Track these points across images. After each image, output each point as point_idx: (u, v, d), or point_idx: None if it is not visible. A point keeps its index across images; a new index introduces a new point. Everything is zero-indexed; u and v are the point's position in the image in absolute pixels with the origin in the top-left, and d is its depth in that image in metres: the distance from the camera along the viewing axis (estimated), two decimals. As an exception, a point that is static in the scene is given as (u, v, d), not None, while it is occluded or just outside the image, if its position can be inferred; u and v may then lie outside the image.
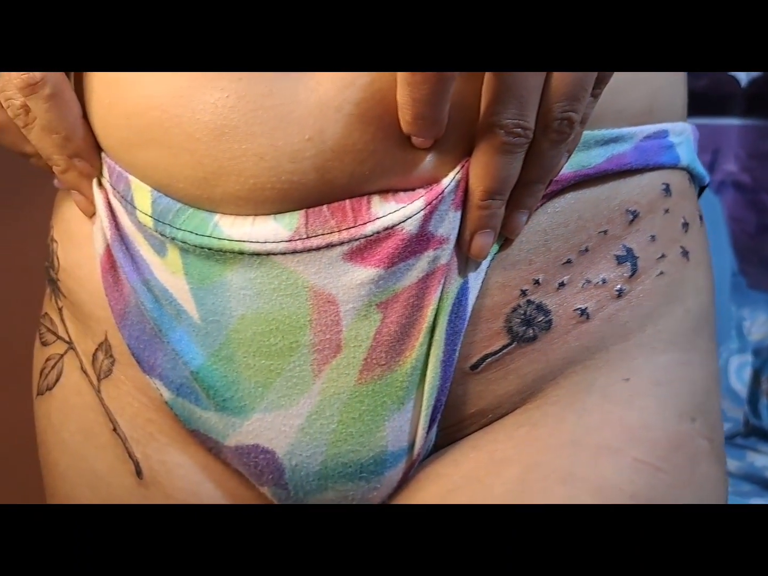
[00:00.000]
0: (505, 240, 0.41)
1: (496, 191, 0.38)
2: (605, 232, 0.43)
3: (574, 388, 0.43)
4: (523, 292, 0.42)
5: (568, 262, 0.42)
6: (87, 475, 0.48)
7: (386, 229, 0.39)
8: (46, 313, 0.51)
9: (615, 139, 0.42)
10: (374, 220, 0.39)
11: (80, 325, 0.48)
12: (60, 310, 0.50)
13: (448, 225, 0.39)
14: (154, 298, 0.44)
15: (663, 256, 0.44)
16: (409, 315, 0.40)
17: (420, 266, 0.40)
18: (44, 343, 0.51)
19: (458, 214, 0.39)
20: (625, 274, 0.43)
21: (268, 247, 0.40)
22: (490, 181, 0.38)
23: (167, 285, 0.43)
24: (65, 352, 0.49)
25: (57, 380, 0.49)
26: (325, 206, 0.39)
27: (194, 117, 0.39)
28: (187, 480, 0.47)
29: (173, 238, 0.41)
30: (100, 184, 0.45)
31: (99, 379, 0.48)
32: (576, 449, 0.41)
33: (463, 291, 0.41)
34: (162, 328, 0.43)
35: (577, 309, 0.42)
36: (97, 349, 0.47)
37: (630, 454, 0.41)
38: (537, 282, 0.42)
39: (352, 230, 0.39)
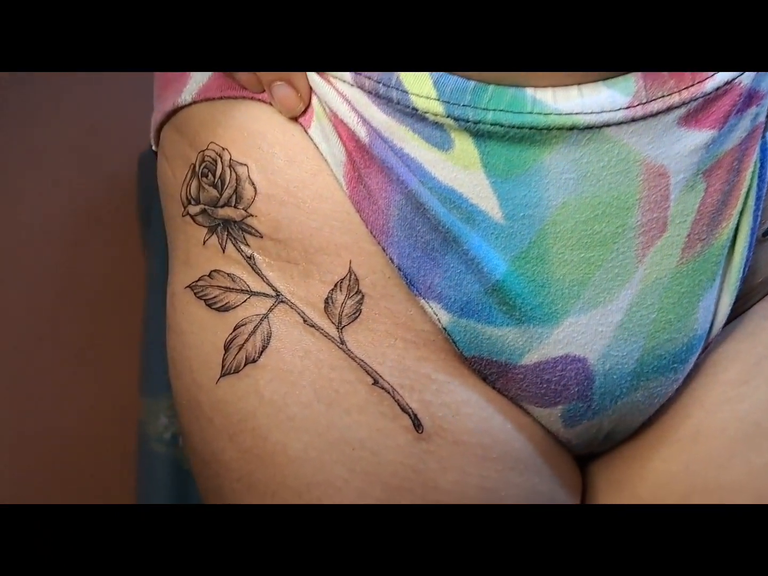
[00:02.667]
0: None
1: None
2: None
3: None
4: None
5: None
6: (340, 449, 0.39)
7: (726, 84, 0.36)
8: (215, 271, 0.41)
9: None
10: (713, 75, 0.36)
11: (296, 268, 0.39)
12: (250, 258, 0.40)
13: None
14: (439, 201, 0.37)
15: None
16: (729, 181, 0.38)
17: (743, 126, 0.38)
18: (223, 308, 0.40)
19: None
20: None
21: (605, 117, 0.36)
22: None
23: (453, 184, 0.37)
24: (271, 309, 0.39)
25: (264, 348, 0.39)
26: None
27: None
28: (477, 418, 0.40)
29: (477, 122, 0.35)
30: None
31: (340, 328, 0.39)
32: None
33: (765, 152, 0.40)
34: (457, 234, 0.37)
35: None
36: (333, 290, 0.39)
37: None
38: None
39: (692, 89, 0.36)
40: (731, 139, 0.38)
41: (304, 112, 0.38)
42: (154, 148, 0.47)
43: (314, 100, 0.38)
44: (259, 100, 0.39)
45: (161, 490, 0.79)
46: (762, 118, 0.38)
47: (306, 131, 0.38)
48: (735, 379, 0.42)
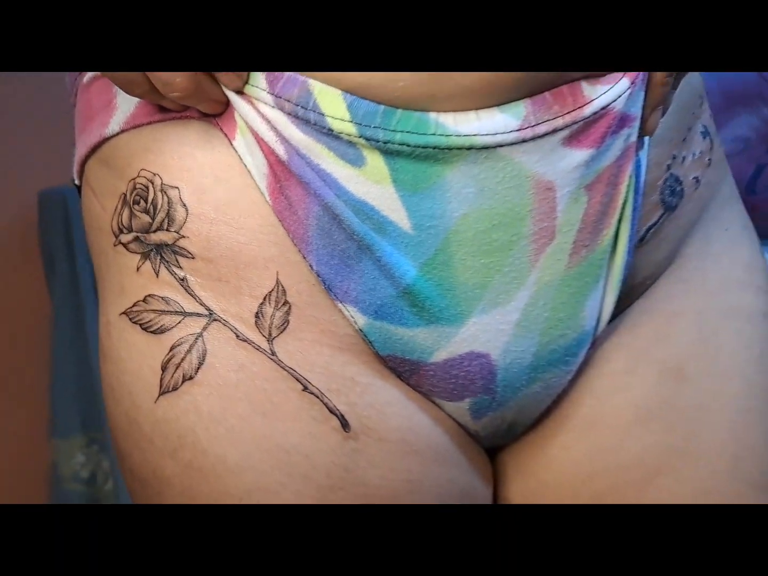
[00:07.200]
0: None
1: None
2: (694, 113, 0.51)
3: (700, 243, 0.50)
4: (668, 167, 0.48)
5: (684, 139, 0.49)
6: (276, 456, 0.42)
7: (602, 109, 0.42)
8: (149, 296, 0.43)
9: None
10: (590, 102, 0.42)
11: (227, 286, 0.42)
12: (183, 280, 0.42)
13: (638, 103, 0.44)
14: (353, 213, 0.41)
15: (715, 131, 0.53)
16: (608, 193, 0.44)
17: (618, 145, 0.43)
18: (159, 331, 0.43)
19: (642, 92, 0.44)
20: (707, 147, 0.51)
21: (499, 138, 0.40)
22: None
23: (366, 197, 0.41)
24: (205, 328, 0.42)
25: (200, 365, 0.42)
26: (546, 93, 0.41)
27: None
28: (399, 415, 0.44)
29: (386, 142, 0.40)
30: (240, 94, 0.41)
31: (270, 340, 0.42)
32: (726, 287, 0.49)
33: (638, 168, 0.45)
34: (370, 243, 0.41)
35: (693, 178, 0.50)
36: (262, 303, 0.42)
37: (755, 284, 0.50)
38: (674, 157, 0.48)
39: (574, 113, 0.41)
40: (608, 156, 0.43)
41: (229, 121, 0.41)
42: (76, 182, 0.49)
43: (236, 115, 0.41)
44: (187, 117, 0.42)
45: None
46: (633, 138, 0.44)
47: (231, 143, 0.41)
48: (622, 369, 0.48)
